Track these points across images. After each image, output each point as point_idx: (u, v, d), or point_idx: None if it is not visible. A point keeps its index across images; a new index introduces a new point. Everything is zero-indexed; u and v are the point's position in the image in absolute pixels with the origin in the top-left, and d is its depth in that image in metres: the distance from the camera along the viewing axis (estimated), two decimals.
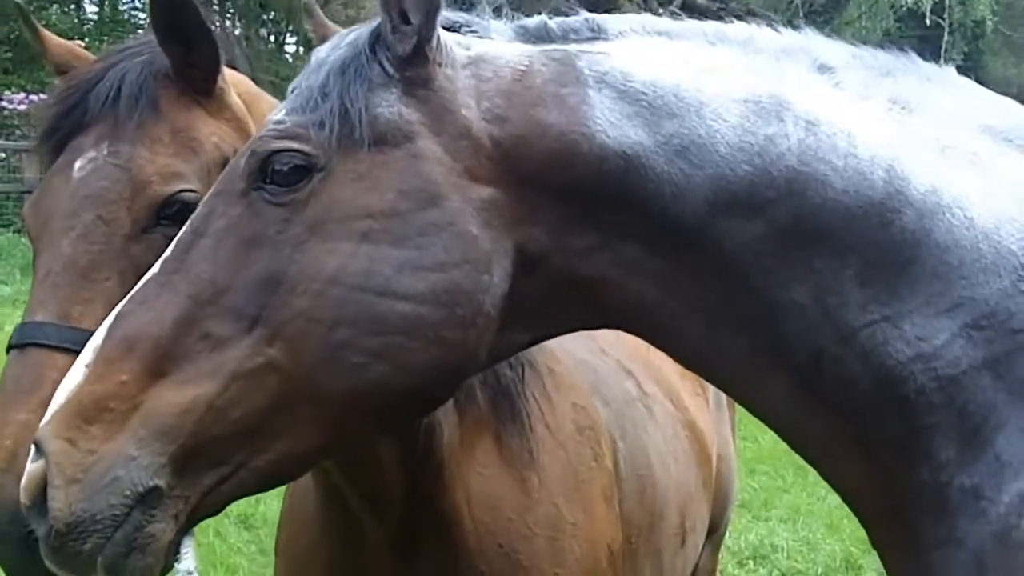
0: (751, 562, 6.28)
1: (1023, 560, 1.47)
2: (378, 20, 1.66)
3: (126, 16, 25.76)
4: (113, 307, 1.85)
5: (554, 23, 1.73)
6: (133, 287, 1.66)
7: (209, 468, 1.57)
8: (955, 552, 1.52)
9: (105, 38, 21.89)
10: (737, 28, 1.73)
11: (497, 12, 1.81)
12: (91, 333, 1.88)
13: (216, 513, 1.67)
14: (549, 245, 1.64)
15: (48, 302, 2.03)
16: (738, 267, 1.60)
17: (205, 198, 1.66)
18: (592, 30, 1.72)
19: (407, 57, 1.62)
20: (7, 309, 11.68)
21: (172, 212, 2.10)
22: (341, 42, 1.71)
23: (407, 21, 1.61)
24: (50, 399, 1.82)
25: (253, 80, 2.51)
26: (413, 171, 1.59)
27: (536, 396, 2.44)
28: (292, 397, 1.56)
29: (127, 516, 1.52)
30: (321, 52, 1.72)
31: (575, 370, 2.65)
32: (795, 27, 1.76)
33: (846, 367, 1.58)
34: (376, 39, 1.65)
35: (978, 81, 1.85)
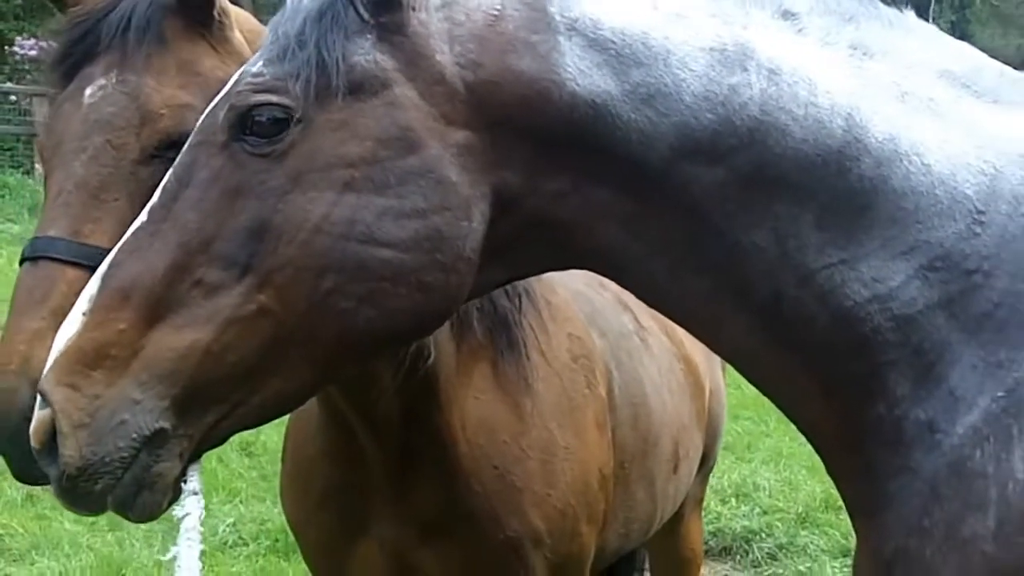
0: (734, 500, 6.34)
1: (976, 488, 1.49)
2: None
3: None
4: (122, 226, 1.88)
5: None
6: (141, 208, 1.67)
7: (209, 408, 1.59)
8: (911, 481, 1.54)
9: None
10: None
11: None
12: (100, 249, 1.94)
13: (218, 445, 1.70)
14: (522, 188, 1.63)
15: (60, 219, 2.06)
16: (702, 211, 1.60)
17: (185, 148, 1.65)
18: None
19: (382, 2, 1.58)
20: (16, 247, 11.67)
21: (181, 142, 2.10)
22: None
23: None
24: (60, 309, 1.89)
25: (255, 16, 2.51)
26: (391, 118, 1.57)
27: (533, 325, 2.46)
28: (284, 340, 1.57)
29: (135, 458, 1.56)
30: None
31: (572, 301, 2.65)
32: None
33: (805, 308, 1.59)
34: None
35: None
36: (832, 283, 1.57)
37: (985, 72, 1.67)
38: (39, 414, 1.56)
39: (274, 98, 1.57)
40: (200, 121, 1.67)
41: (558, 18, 1.60)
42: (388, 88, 1.57)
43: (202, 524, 1.72)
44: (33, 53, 18.52)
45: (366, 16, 1.58)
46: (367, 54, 1.57)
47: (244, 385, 1.59)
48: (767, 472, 6.75)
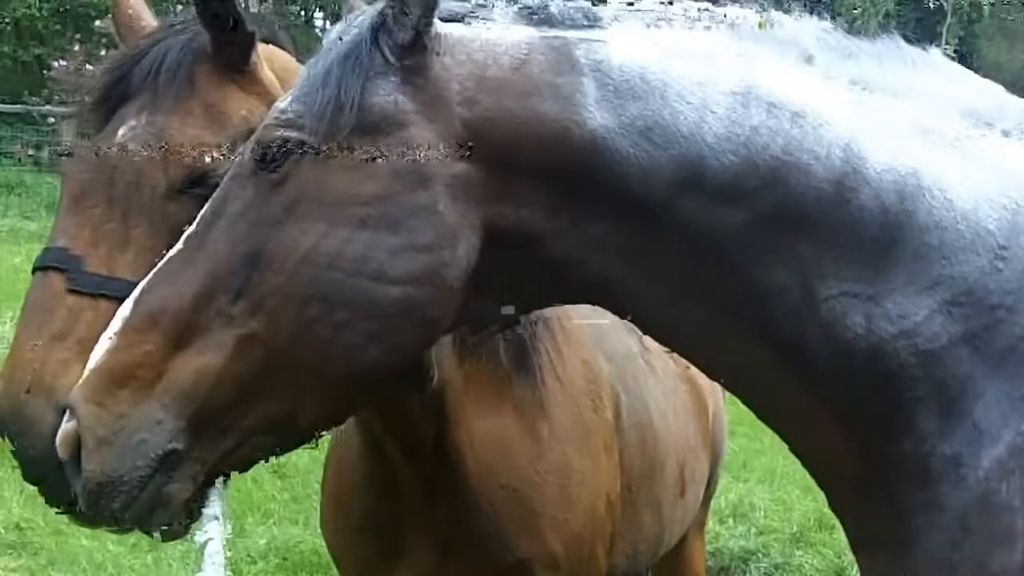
0: (730, 520, 6.28)
1: (1003, 521, 1.47)
2: (382, 5, 1.63)
3: None
4: (144, 255, 2.00)
5: (554, 7, 1.68)
6: (163, 239, 1.74)
7: (222, 433, 1.60)
8: (937, 516, 1.51)
9: (151, 10, 21.69)
10: (727, 12, 1.70)
11: None
12: (127, 282, 1.99)
13: (244, 469, 1.71)
14: (518, 222, 1.62)
15: (70, 234, 2.11)
16: (719, 250, 1.57)
17: (224, 180, 1.68)
18: (587, 18, 1.67)
19: (407, 46, 1.59)
20: (34, 244, 11.65)
21: (203, 182, 2.18)
22: (350, 25, 1.68)
23: (406, 12, 1.59)
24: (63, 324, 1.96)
25: (296, 52, 2.56)
26: (403, 158, 1.57)
27: (549, 350, 2.43)
28: (275, 366, 1.58)
29: (151, 478, 1.57)
30: (332, 35, 1.70)
31: (582, 326, 2.61)
32: (789, 11, 1.72)
33: (830, 345, 1.56)
34: (380, 26, 1.62)
35: (971, 66, 1.83)
36: (858, 320, 1.54)
37: (1008, 109, 1.65)
38: (66, 426, 1.59)
39: (293, 134, 1.59)
40: (238, 154, 1.70)
41: (583, 60, 1.61)
42: (404, 128, 1.59)
43: (228, 548, 1.73)
44: (68, 70, 18.51)
45: (391, 59, 1.60)
46: (388, 95, 1.60)
47: (249, 412, 1.60)
48: (762, 492, 6.70)
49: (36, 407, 1.97)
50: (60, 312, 2.06)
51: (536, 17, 1.67)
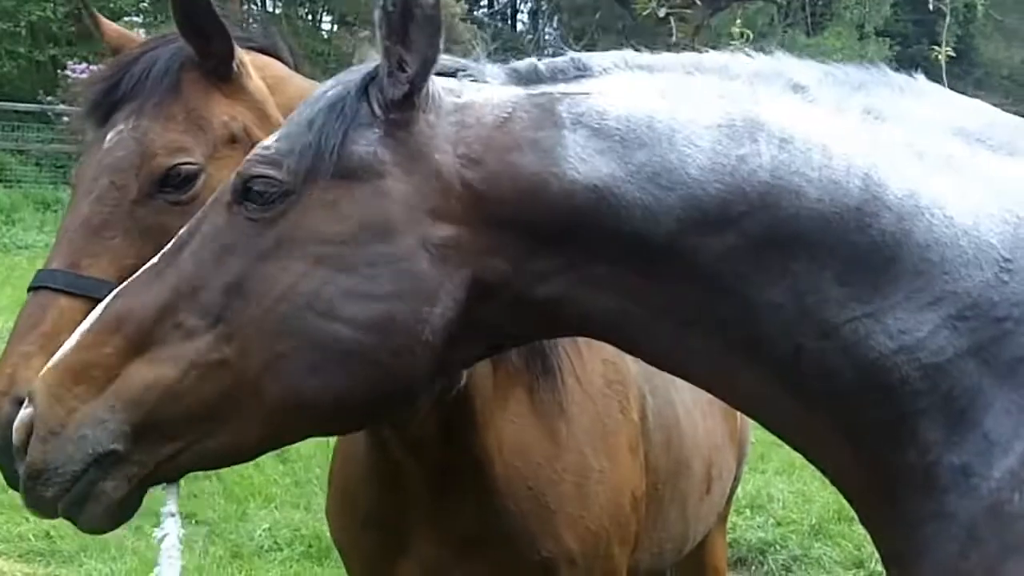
0: (748, 511, 6.26)
1: (1016, 530, 1.44)
2: (376, 62, 1.66)
3: None
4: (118, 261, 2.12)
5: (543, 64, 1.70)
6: (137, 244, 1.84)
7: (164, 441, 1.64)
8: (947, 525, 1.49)
9: (159, 17, 21.84)
10: (712, 57, 1.69)
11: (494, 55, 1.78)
12: (94, 280, 2.11)
13: (175, 479, 1.77)
14: (510, 273, 1.63)
15: (61, 254, 2.19)
16: (712, 275, 1.56)
17: (204, 206, 1.72)
18: (578, 68, 1.68)
19: (396, 101, 1.62)
20: None
21: (173, 182, 2.23)
22: (345, 78, 1.71)
23: (403, 69, 1.61)
24: (50, 333, 2.07)
25: (295, 60, 2.61)
26: (376, 206, 1.60)
27: (568, 351, 2.41)
28: (238, 393, 1.61)
29: (84, 472, 1.61)
30: (327, 84, 1.74)
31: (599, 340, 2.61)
32: (793, 12, 1.72)
33: (827, 361, 1.54)
34: (370, 80, 1.65)
35: (971, 64, 1.79)
36: (856, 336, 1.52)
37: (998, 127, 1.63)
38: (23, 413, 1.65)
39: (271, 171, 1.63)
40: (220, 185, 1.74)
41: (565, 115, 1.62)
42: (381, 178, 1.61)
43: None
44: (84, 76, 18.71)
45: (377, 112, 1.63)
46: (369, 145, 1.62)
47: (198, 428, 1.64)
48: (781, 483, 6.67)
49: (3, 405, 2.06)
50: (27, 309, 2.16)
51: (523, 79, 1.69)
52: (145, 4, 24.87)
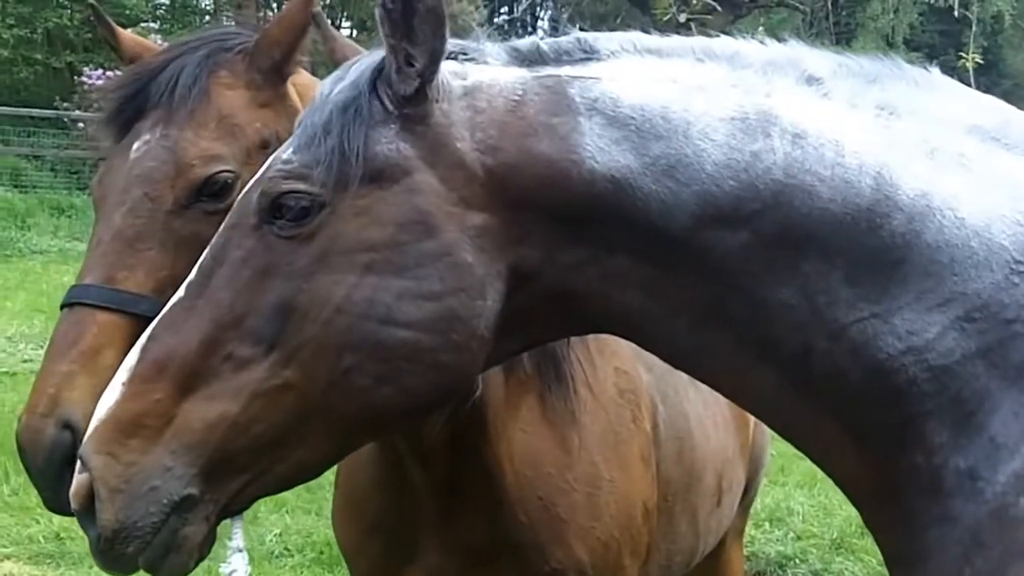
0: (768, 524, 6.21)
1: (1020, 535, 1.43)
2: (381, 55, 1.63)
3: (196, 1, 25.82)
4: (154, 273, 2.05)
5: (546, 44, 1.66)
6: (173, 256, 1.74)
7: (235, 475, 1.61)
8: (951, 530, 1.48)
9: (175, 23, 22.03)
10: (724, 43, 1.67)
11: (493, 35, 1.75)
12: (131, 295, 2.06)
13: (245, 509, 1.73)
14: (540, 263, 1.62)
15: (96, 268, 2.13)
16: (725, 272, 1.56)
17: (221, 228, 1.67)
18: (584, 51, 1.65)
19: (408, 96, 1.59)
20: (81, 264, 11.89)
21: (210, 191, 2.19)
22: (345, 75, 1.68)
23: (411, 64, 1.58)
24: (90, 350, 2.02)
25: (312, 66, 2.59)
26: (410, 204, 1.57)
27: (580, 359, 2.41)
28: (307, 413, 1.59)
29: (164, 523, 1.58)
30: (325, 87, 1.69)
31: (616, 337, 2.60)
32: (818, 22, 1.70)
33: (836, 361, 1.54)
34: (378, 76, 1.62)
35: (999, 75, 1.77)
36: (864, 337, 1.52)
37: (1014, 124, 1.61)
38: (79, 478, 1.60)
39: (301, 185, 1.59)
40: (236, 203, 1.69)
41: (578, 99, 1.60)
42: (408, 175, 1.58)
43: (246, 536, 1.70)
44: (100, 83, 18.87)
45: (391, 108, 1.60)
46: (390, 143, 1.59)
47: (268, 455, 1.61)
48: (801, 496, 6.61)
49: (34, 421, 2.03)
50: (63, 326, 2.10)
51: (527, 59, 1.66)
52: (161, 11, 25.08)
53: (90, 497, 1.58)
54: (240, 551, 1.73)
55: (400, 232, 1.57)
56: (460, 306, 1.57)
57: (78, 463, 1.62)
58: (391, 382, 1.58)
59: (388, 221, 1.57)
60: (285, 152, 1.66)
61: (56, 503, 2.00)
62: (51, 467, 1.82)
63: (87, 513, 1.59)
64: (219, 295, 1.60)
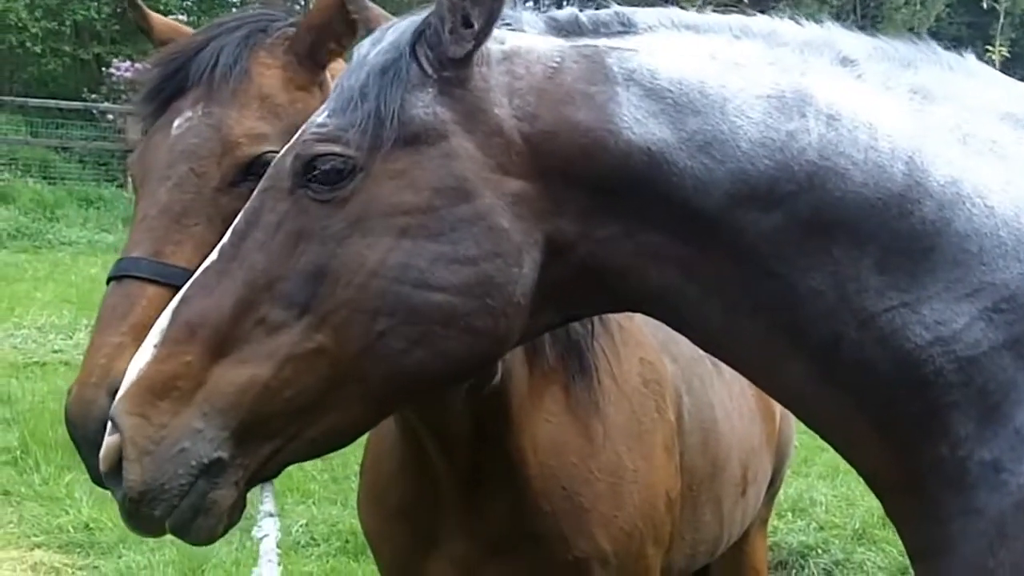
0: (790, 514, 6.19)
1: None
2: (420, 16, 1.61)
3: None
4: (201, 249, 1.99)
5: (584, 16, 1.66)
6: (220, 232, 1.70)
7: (266, 440, 1.60)
8: (975, 521, 1.47)
9: (204, 15, 22.12)
10: (761, 21, 1.66)
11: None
12: (180, 269, 2.03)
13: (274, 476, 1.71)
14: (576, 234, 1.61)
15: (143, 241, 2.13)
16: (757, 255, 1.55)
17: (256, 192, 1.66)
18: (622, 23, 1.64)
19: (457, 59, 1.57)
20: (110, 256, 11.96)
21: (258, 171, 2.15)
22: (383, 38, 1.66)
23: (468, 25, 1.56)
24: (140, 324, 1.98)
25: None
26: (446, 169, 1.56)
27: (605, 350, 2.41)
28: (340, 378, 1.57)
29: (193, 485, 1.57)
30: (363, 49, 1.67)
31: (644, 327, 2.59)
32: (844, 14, 1.69)
33: (864, 350, 1.52)
34: (418, 38, 1.60)
35: None
36: (893, 326, 1.51)
37: None
38: (108, 440, 1.59)
39: (336, 148, 1.57)
40: (270, 167, 1.68)
41: (616, 69, 1.58)
42: (445, 139, 1.57)
43: (279, 543, 1.71)
44: (128, 75, 19.00)
45: (429, 71, 1.58)
46: (427, 107, 1.58)
47: (299, 420, 1.59)
48: (824, 487, 6.58)
49: (87, 391, 2.02)
50: (111, 298, 2.10)
51: (564, 30, 1.65)
52: (189, 2, 25.20)
53: (119, 458, 1.58)
54: (272, 515, 1.72)
55: (436, 196, 1.55)
56: (496, 271, 1.56)
57: (108, 424, 1.61)
58: (425, 346, 1.57)
59: (423, 185, 1.56)
60: (320, 116, 1.64)
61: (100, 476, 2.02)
62: (102, 436, 1.85)
63: (116, 475, 1.59)
64: (252, 258, 1.59)
